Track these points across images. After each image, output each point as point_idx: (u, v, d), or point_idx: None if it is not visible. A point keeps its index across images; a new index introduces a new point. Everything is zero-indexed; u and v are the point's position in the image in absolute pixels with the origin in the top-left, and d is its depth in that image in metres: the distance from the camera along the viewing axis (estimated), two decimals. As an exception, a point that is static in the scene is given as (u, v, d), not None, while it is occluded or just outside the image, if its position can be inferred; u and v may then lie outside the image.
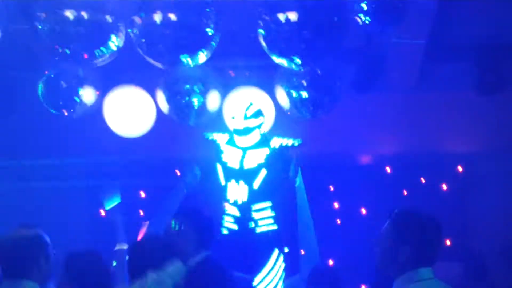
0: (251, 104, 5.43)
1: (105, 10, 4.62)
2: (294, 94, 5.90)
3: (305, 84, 5.87)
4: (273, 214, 5.33)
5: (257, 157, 5.37)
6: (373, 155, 7.74)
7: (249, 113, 5.36)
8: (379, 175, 7.81)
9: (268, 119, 6.22)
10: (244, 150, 5.43)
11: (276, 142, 5.45)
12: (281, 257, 5.44)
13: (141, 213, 7.44)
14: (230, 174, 5.40)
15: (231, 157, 5.43)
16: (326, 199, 7.80)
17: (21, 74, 6.07)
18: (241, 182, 5.29)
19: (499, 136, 7.03)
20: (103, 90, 6.00)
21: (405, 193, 7.79)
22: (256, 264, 5.27)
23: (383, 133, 7.27)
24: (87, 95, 5.72)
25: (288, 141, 5.47)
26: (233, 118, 5.42)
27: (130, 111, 6.20)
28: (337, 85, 6.02)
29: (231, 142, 5.51)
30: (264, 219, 5.33)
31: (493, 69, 6.49)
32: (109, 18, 4.60)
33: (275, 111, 6.16)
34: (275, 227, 5.35)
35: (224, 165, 5.41)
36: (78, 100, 5.66)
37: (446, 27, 6.07)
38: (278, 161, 5.29)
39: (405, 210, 3.18)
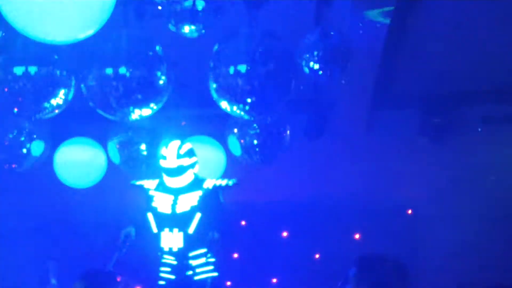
0: (183, 142, 5.17)
1: (55, 64, 4.60)
2: (245, 142, 5.97)
3: (255, 132, 5.94)
4: (212, 260, 5.04)
5: (190, 200, 5.05)
6: (325, 199, 7.83)
7: (182, 152, 5.05)
8: (331, 218, 7.90)
9: (218, 167, 6.28)
10: (176, 194, 5.10)
11: (210, 183, 5.14)
12: None
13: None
14: (163, 221, 5.08)
15: (161, 202, 5.09)
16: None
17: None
18: (175, 229, 4.99)
19: (444, 179, 7.22)
20: (53, 142, 5.93)
21: (357, 236, 7.88)
22: None
23: (333, 179, 7.38)
24: (35, 148, 5.63)
25: (222, 182, 5.19)
26: (164, 158, 5.06)
27: (81, 163, 6.14)
28: (287, 133, 6.12)
29: (160, 187, 5.19)
30: (203, 265, 5.04)
31: (437, 116, 6.70)
32: (58, 72, 4.58)
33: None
34: (215, 274, 5.05)
35: (154, 212, 5.10)
36: (25, 153, 5.57)
37: (392, 77, 6.28)
38: (213, 202, 4.99)
39: (370, 255, 3.26)
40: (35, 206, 7.25)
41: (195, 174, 5.14)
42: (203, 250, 4.97)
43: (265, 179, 7.08)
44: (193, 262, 4.98)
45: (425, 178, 7.20)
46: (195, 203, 4.98)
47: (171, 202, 5.06)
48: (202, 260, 5.01)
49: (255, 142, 5.92)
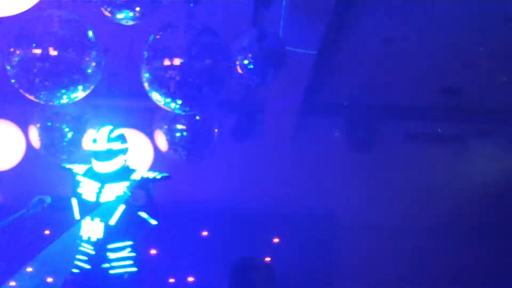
0: (115, 128, 4.98)
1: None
2: (172, 136, 5.91)
3: (183, 128, 5.89)
4: (132, 254, 4.88)
5: (115, 190, 4.88)
6: (248, 201, 7.85)
7: (113, 136, 4.88)
8: (253, 221, 7.93)
9: (146, 161, 6.17)
10: (103, 182, 4.93)
11: (138, 174, 4.98)
12: None
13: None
14: (86, 208, 4.89)
15: (87, 189, 4.94)
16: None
17: None
18: (96, 218, 4.84)
19: (365, 189, 7.38)
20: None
21: (276, 241, 7.94)
22: None
23: (258, 181, 7.41)
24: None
25: (151, 174, 4.99)
26: (94, 141, 4.88)
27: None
28: (214, 131, 6.10)
29: (88, 173, 5.01)
30: (121, 260, 4.86)
31: (364, 127, 6.85)
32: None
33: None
34: (134, 269, 4.88)
35: (79, 198, 4.94)
36: None
37: (321, 86, 6.37)
38: (137, 194, 4.74)
39: (242, 258, 3.41)
40: None
41: (125, 162, 4.97)
42: (124, 244, 4.84)
43: (190, 177, 7.03)
44: (111, 255, 4.82)
45: (348, 186, 7.32)
46: (120, 193, 4.82)
47: (97, 190, 4.89)
48: (121, 254, 4.85)
49: (182, 138, 5.87)
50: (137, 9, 4.68)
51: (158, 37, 4.70)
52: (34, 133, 5.83)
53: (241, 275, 3.27)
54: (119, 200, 4.79)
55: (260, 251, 7.78)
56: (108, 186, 4.89)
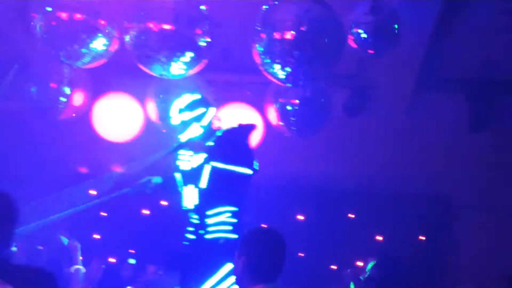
0: (186, 95, 4.80)
1: (98, 13, 4.60)
2: (284, 111, 5.92)
3: (295, 102, 5.87)
4: (233, 220, 4.64)
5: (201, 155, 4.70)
6: (358, 179, 7.76)
7: (182, 106, 4.69)
8: (362, 197, 7.87)
9: (256, 135, 6.23)
10: (193, 150, 4.75)
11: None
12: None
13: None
14: (185, 179, 4.80)
15: (183, 159, 4.79)
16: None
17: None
18: (190, 185, 4.70)
19: (483, 167, 7.07)
20: (93, 94, 5.98)
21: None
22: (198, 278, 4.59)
23: (369, 158, 7.29)
24: (76, 97, 5.68)
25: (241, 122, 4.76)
26: (170, 117, 4.82)
27: (119, 117, 6.18)
28: (327, 106, 6.03)
29: (183, 144, 4.83)
30: (218, 224, 4.65)
31: (482, 103, 6.53)
32: (101, 21, 4.58)
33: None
34: (233, 235, 4.61)
35: (180, 170, 4.83)
36: (65, 102, 5.62)
37: (438, 59, 6.11)
38: (224, 148, 4.54)
39: (253, 227, 3.35)
40: (70, 156, 7.33)
41: (204, 126, 4.73)
42: (225, 208, 4.64)
43: (299, 152, 7.03)
44: (209, 221, 4.66)
45: (463, 165, 7.05)
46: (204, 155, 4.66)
47: (189, 159, 4.77)
48: (219, 218, 4.65)
49: (293, 112, 5.86)
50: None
51: (269, 10, 4.70)
52: (151, 105, 6.04)
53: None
54: (204, 162, 4.65)
55: (369, 231, 7.69)
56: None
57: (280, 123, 6.00)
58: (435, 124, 6.86)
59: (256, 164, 4.68)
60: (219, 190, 4.65)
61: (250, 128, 4.77)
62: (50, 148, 7.06)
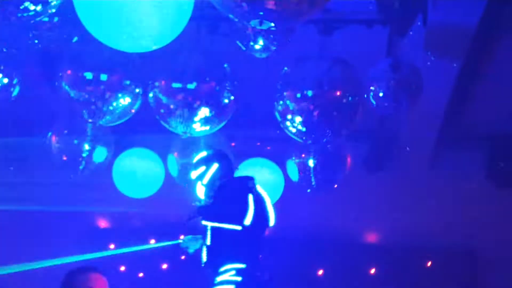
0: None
1: (122, 72, 4.69)
2: (304, 167, 5.92)
3: (314, 158, 5.89)
4: (237, 278, 4.65)
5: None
6: (379, 233, 7.70)
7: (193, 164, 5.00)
8: (379, 253, 7.77)
9: (278, 189, 6.26)
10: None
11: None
12: None
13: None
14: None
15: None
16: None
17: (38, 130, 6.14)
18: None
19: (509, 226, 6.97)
20: (115, 151, 6.03)
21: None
22: None
23: (389, 215, 7.23)
24: (98, 154, 5.73)
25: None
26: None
27: (139, 173, 6.21)
28: (347, 161, 6.04)
29: None
30: (222, 284, 4.68)
31: (506, 160, 6.48)
32: (125, 80, 4.66)
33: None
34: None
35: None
36: (87, 157, 5.68)
37: (460, 115, 6.11)
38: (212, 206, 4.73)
39: None
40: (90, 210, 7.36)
41: (205, 185, 4.86)
42: (227, 267, 4.64)
43: (317, 207, 7.00)
44: (217, 279, 4.68)
45: (489, 223, 6.95)
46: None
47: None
48: (222, 277, 4.66)
49: (313, 166, 5.86)
50: (271, 40, 4.77)
51: (290, 69, 4.77)
52: (172, 161, 6.08)
53: None
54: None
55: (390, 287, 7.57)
56: None
57: (300, 178, 6.00)
58: (457, 180, 6.81)
59: (247, 220, 4.64)
60: (222, 247, 4.68)
61: (246, 180, 4.80)
62: (71, 203, 7.10)
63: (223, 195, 4.72)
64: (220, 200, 4.71)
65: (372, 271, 8.07)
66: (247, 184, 4.75)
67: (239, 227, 4.59)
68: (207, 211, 4.71)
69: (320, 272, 8.10)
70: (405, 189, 6.99)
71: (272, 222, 4.80)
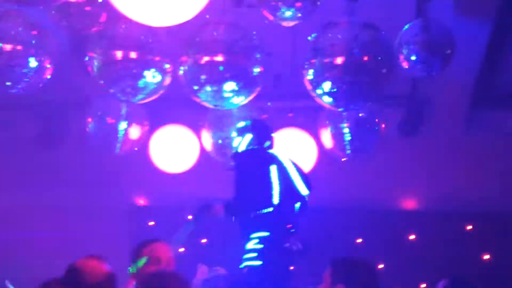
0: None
1: (151, 49, 4.71)
2: (338, 135, 5.90)
3: (348, 126, 5.85)
4: (259, 246, 4.75)
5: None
6: (416, 199, 7.66)
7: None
8: (417, 219, 7.73)
9: (311, 159, 6.26)
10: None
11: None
12: None
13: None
14: None
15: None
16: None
17: (71, 111, 6.23)
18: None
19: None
20: (150, 127, 6.10)
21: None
22: None
23: (426, 179, 7.18)
24: (133, 131, 5.80)
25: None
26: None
27: (175, 149, 6.29)
28: (381, 127, 5.99)
29: None
30: (247, 252, 4.83)
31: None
32: (155, 57, 4.69)
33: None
34: (257, 262, 4.76)
35: None
36: (122, 136, 5.75)
37: (493, 74, 6.01)
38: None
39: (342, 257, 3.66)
40: (128, 189, 7.48)
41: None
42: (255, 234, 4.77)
43: (354, 175, 6.99)
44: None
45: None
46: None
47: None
48: (248, 245, 4.80)
49: (347, 135, 5.83)
50: (298, 7, 4.73)
51: (318, 36, 4.72)
52: (206, 136, 6.12)
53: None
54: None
55: (431, 251, 7.54)
56: None
57: (335, 146, 5.98)
58: (494, 141, 6.72)
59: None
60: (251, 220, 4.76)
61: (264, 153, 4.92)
62: (109, 182, 7.22)
63: (243, 179, 4.84)
64: (242, 188, 4.81)
65: (411, 237, 8.04)
66: (265, 157, 4.86)
67: (270, 209, 4.71)
68: (234, 207, 4.82)
69: (359, 240, 8.10)
70: (440, 152, 6.92)
71: (303, 191, 4.85)
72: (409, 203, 7.96)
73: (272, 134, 5.23)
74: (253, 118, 5.33)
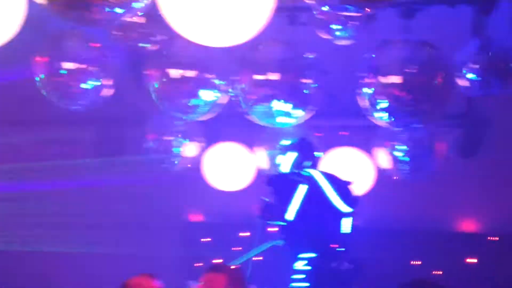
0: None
1: (208, 68, 4.78)
2: (394, 155, 5.83)
3: (404, 145, 5.78)
4: (307, 268, 4.92)
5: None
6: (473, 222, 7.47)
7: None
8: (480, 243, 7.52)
9: (368, 178, 6.22)
10: None
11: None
12: None
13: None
14: None
15: None
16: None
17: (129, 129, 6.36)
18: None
19: None
20: (206, 145, 6.17)
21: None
22: None
23: (485, 200, 7.00)
24: (189, 149, 5.88)
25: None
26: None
27: (230, 166, 6.33)
28: (438, 148, 5.90)
29: None
30: (295, 273, 4.98)
31: None
32: (209, 75, 4.75)
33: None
34: (305, 284, 4.92)
35: None
36: (179, 153, 5.83)
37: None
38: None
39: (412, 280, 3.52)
40: (183, 206, 7.55)
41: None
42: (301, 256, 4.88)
43: (412, 195, 6.87)
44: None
45: None
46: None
47: None
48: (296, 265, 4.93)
49: (404, 155, 5.76)
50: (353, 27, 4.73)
51: (373, 54, 4.69)
52: (261, 154, 6.15)
53: None
54: None
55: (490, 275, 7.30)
56: None
57: (390, 166, 5.91)
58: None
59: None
60: (294, 240, 4.92)
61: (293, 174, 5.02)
62: (164, 198, 7.31)
63: (272, 192, 4.99)
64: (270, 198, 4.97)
65: (471, 260, 7.83)
66: (293, 177, 4.96)
67: (283, 223, 4.84)
68: (262, 211, 4.98)
69: (418, 262, 7.92)
70: (502, 173, 6.74)
71: (343, 208, 4.84)
72: (470, 225, 7.76)
73: (316, 154, 5.25)
74: (300, 137, 5.36)
